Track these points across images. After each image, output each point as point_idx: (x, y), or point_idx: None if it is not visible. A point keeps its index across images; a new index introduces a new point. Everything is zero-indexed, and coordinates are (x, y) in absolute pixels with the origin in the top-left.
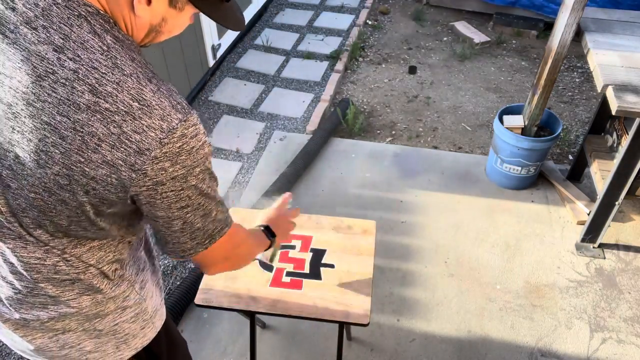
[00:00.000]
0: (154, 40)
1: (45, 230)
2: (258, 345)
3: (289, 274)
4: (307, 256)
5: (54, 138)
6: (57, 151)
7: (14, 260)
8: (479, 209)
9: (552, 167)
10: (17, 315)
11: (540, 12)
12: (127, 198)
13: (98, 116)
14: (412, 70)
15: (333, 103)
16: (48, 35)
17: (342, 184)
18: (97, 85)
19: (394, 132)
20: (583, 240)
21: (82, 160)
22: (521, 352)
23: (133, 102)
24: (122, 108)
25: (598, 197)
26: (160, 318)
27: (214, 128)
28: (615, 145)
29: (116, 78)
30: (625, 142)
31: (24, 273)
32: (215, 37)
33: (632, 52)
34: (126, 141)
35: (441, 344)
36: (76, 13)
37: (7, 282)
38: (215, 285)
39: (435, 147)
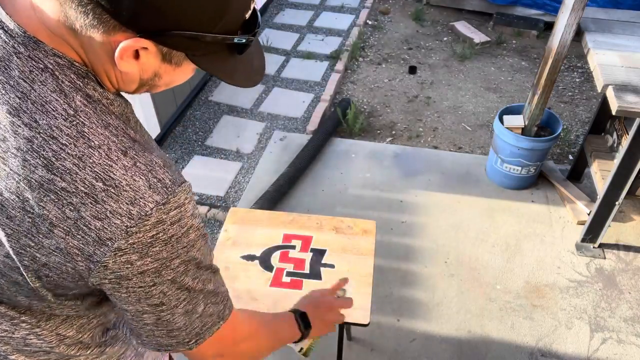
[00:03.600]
0: (151, 91)
1: (7, 306)
2: None
3: (289, 274)
4: (307, 256)
5: (1, 217)
6: (3, 232)
7: None
8: (479, 209)
9: (552, 167)
10: None
11: (542, 11)
12: (87, 285)
13: (52, 196)
14: (412, 70)
15: (333, 103)
16: (3, 92)
17: (342, 184)
18: (53, 159)
19: (394, 132)
20: (583, 240)
21: (32, 244)
22: (521, 352)
23: (96, 181)
24: (82, 189)
25: (598, 197)
26: None
27: (214, 128)
28: (615, 145)
29: (79, 151)
30: (626, 142)
31: None
32: None
33: (632, 52)
34: (84, 228)
35: (441, 344)
36: (41, 66)
37: None
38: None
39: (436, 147)
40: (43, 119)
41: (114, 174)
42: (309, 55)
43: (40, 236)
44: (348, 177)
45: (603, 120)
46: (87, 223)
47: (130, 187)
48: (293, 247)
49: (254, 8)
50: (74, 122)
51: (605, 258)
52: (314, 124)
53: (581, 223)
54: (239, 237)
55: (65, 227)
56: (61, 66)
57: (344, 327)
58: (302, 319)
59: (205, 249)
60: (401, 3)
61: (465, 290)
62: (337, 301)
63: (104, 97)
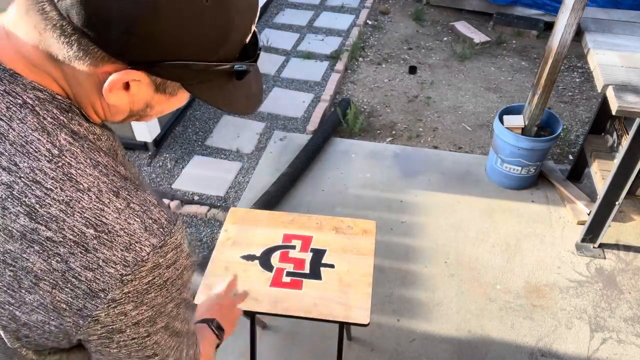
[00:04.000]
0: (140, 121)
1: None
2: (258, 345)
3: (289, 274)
4: (307, 256)
5: None
6: None
7: None
8: (479, 209)
9: (552, 167)
10: None
11: (542, 11)
12: (70, 342)
13: (36, 247)
14: (412, 70)
15: (333, 103)
16: None
17: (342, 184)
18: (37, 206)
19: (394, 132)
20: (583, 240)
21: (12, 301)
22: (521, 352)
23: (87, 228)
24: (70, 237)
25: (598, 197)
26: None
27: (214, 128)
28: (615, 145)
29: (66, 196)
30: (626, 142)
31: None
32: None
33: (632, 52)
34: (73, 280)
35: (441, 344)
36: (19, 101)
37: None
38: (215, 285)
39: (436, 147)
40: (24, 162)
41: (106, 218)
42: (309, 55)
43: (23, 291)
44: (348, 177)
45: (603, 120)
46: (76, 274)
47: (125, 232)
48: (293, 247)
49: (255, 30)
50: (60, 164)
51: (605, 258)
52: (314, 124)
53: (581, 223)
54: (239, 237)
55: (51, 280)
56: (42, 100)
57: (344, 327)
58: (216, 327)
59: (190, 285)
60: (401, 3)
61: (465, 290)
62: (235, 299)
63: (91, 133)
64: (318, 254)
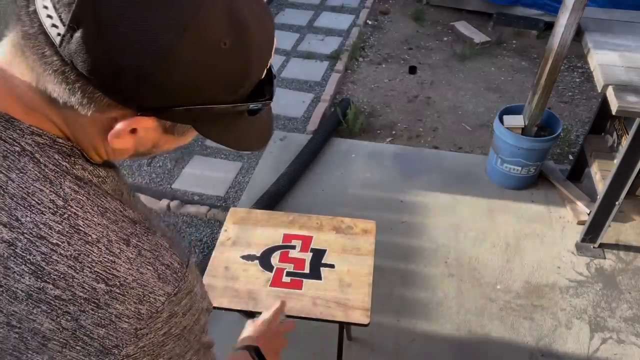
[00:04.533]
0: (142, 158)
1: None
2: None
3: (289, 274)
4: (307, 256)
5: None
6: None
7: None
8: (479, 209)
9: (552, 167)
10: None
11: (542, 11)
12: None
13: (43, 307)
14: (412, 70)
15: (333, 103)
16: None
17: (342, 184)
18: (43, 263)
19: (394, 132)
20: (583, 240)
21: None
22: (521, 352)
23: (98, 283)
24: (80, 294)
25: (598, 197)
26: None
27: None
28: (615, 145)
29: (74, 250)
30: (626, 142)
31: None
32: None
33: (632, 52)
34: (84, 338)
35: (441, 344)
36: (17, 149)
37: None
38: (215, 285)
39: (436, 147)
40: (26, 216)
41: (117, 270)
42: (309, 55)
43: (30, 352)
44: (348, 177)
45: (603, 120)
46: (88, 332)
47: (137, 283)
48: (293, 247)
49: (271, 65)
50: (65, 215)
51: (605, 258)
52: (314, 124)
53: (581, 223)
54: (239, 237)
55: (61, 340)
56: (42, 146)
57: (344, 327)
58: (257, 354)
59: (207, 327)
60: (401, 3)
61: (465, 290)
62: (281, 327)
63: (95, 176)
64: (318, 254)
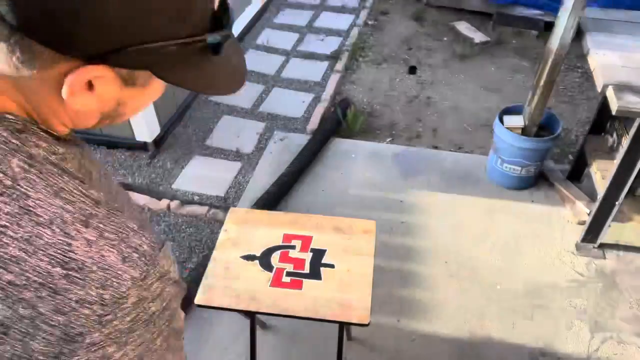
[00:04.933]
0: (115, 122)
1: None
2: (258, 345)
3: (289, 274)
4: (307, 256)
5: None
6: None
7: None
8: (479, 209)
9: (552, 167)
10: None
11: (542, 11)
12: None
13: None
14: (412, 70)
15: (333, 103)
16: None
17: (342, 184)
18: None
19: (394, 132)
20: (583, 240)
21: None
22: (521, 352)
23: (53, 267)
24: (35, 279)
25: (598, 197)
26: None
27: (214, 128)
28: (615, 145)
29: (25, 232)
30: (626, 142)
31: None
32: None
33: (632, 52)
34: (44, 326)
35: (441, 344)
36: None
37: None
38: (216, 286)
39: (436, 147)
40: None
41: (74, 253)
42: (309, 55)
43: None
44: (348, 177)
45: (603, 120)
46: (47, 320)
47: (99, 267)
48: (293, 247)
49: None
50: (14, 196)
51: (605, 258)
52: (314, 124)
53: (581, 223)
54: (239, 237)
55: (20, 329)
56: None
57: (344, 327)
58: None
59: (179, 312)
60: (401, 3)
61: (465, 290)
62: None
63: (51, 153)
64: (318, 254)
